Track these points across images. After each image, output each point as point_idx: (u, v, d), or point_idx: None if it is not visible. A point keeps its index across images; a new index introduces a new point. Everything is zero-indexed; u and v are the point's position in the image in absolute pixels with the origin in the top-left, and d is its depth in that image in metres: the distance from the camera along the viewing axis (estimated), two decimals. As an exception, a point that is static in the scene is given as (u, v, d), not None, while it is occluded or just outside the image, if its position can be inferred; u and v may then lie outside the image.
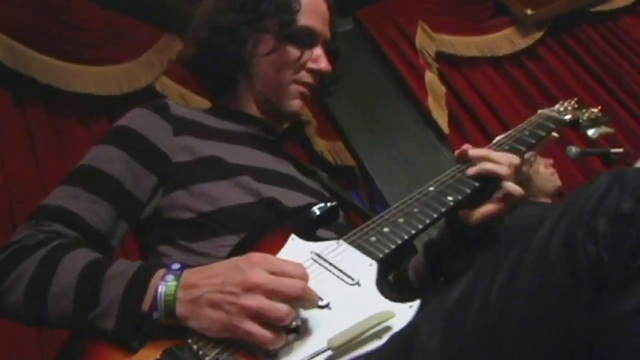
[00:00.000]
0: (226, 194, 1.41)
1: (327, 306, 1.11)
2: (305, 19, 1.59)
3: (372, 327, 1.03)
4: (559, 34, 4.71)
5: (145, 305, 1.10)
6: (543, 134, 1.58)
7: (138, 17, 3.63)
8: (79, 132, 3.24)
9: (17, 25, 3.14)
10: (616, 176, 0.92)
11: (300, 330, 1.07)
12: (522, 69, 4.57)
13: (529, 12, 4.55)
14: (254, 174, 1.47)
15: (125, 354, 1.09)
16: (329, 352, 1.01)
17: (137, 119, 1.49)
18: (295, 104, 1.61)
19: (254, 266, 1.07)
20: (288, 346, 1.05)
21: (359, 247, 1.25)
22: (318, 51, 1.61)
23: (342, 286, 1.16)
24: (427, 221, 1.31)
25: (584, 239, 0.88)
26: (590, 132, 1.82)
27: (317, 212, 1.39)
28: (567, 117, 1.72)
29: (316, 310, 1.10)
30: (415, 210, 1.33)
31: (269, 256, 1.11)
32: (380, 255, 1.22)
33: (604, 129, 1.84)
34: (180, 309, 1.07)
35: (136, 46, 3.58)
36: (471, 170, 1.43)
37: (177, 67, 3.43)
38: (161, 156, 1.43)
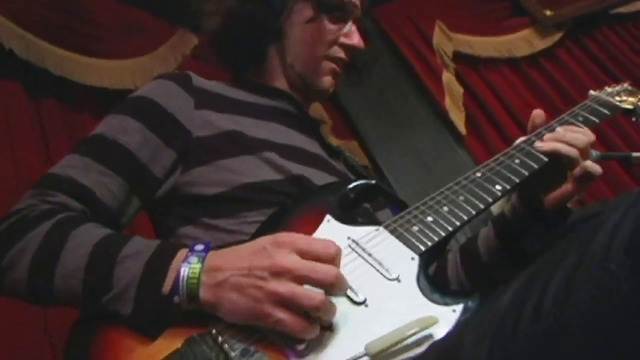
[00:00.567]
0: (252, 169, 1.34)
1: (364, 303, 1.05)
2: None
3: (413, 334, 0.97)
4: (578, 36, 4.65)
5: (166, 289, 1.03)
6: (597, 121, 1.50)
7: (153, 11, 3.59)
8: (92, 125, 3.11)
9: (31, 18, 3.09)
10: None
11: (334, 328, 1.00)
12: (540, 70, 4.50)
13: (548, 13, 4.49)
14: (281, 150, 1.41)
15: (142, 340, 1.02)
16: (367, 358, 0.95)
17: (157, 89, 1.41)
18: (327, 80, 1.58)
19: (282, 248, 1.00)
20: (320, 345, 0.98)
21: (400, 237, 1.19)
22: (351, 26, 1.58)
23: (381, 281, 1.10)
24: (474, 212, 1.24)
25: None
26: None
27: (355, 189, 1.32)
28: (623, 103, 1.64)
29: (352, 307, 1.04)
30: (461, 198, 1.27)
31: (296, 236, 1.03)
32: (423, 249, 1.16)
33: None
34: (204, 294, 1.01)
35: (151, 40, 3.54)
36: (542, 147, 1.38)
37: (191, 63, 3.43)
38: (181, 130, 1.36)
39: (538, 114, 1.47)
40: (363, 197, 1.36)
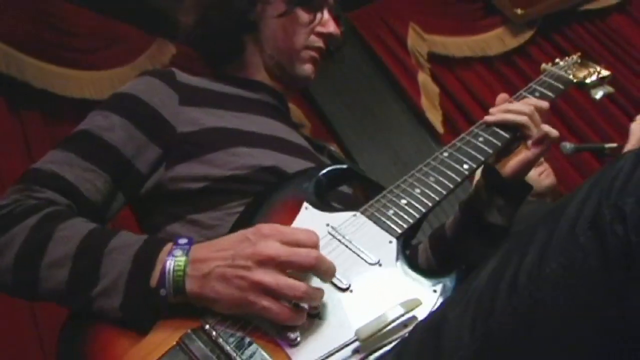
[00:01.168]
0: (235, 161, 1.34)
1: (348, 288, 1.08)
2: None
3: (400, 317, 1.01)
4: (549, 33, 4.73)
5: (153, 282, 1.03)
6: (553, 96, 1.56)
7: (130, 22, 3.63)
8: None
9: (12, 32, 3.13)
10: None
11: (323, 316, 1.03)
12: (514, 68, 4.59)
13: (519, 11, 4.57)
14: (265, 141, 1.42)
15: (134, 339, 1.02)
16: (357, 344, 0.98)
17: (141, 86, 1.40)
18: (308, 68, 1.59)
19: (265, 237, 1.02)
20: (312, 334, 1.01)
21: (377, 222, 1.22)
22: (326, 15, 1.60)
23: (363, 266, 1.13)
24: (444, 192, 1.28)
25: (612, 219, 0.87)
26: (597, 94, 1.74)
27: (329, 174, 1.35)
28: (575, 77, 1.68)
29: (338, 293, 1.07)
30: (432, 179, 1.30)
31: (278, 226, 1.06)
32: (399, 231, 1.19)
33: (607, 89, 1.77)
34: (189, 285, 1.02)
35: (129, 51, 3.58)
36: (490, 119, 1.44)
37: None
38: (166, 125, 1.36)
39: (503, 97, 1.52)
40: (338, 181, 1.41)
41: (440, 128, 4.12)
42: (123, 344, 1.02)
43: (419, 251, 1.64)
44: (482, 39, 4.57)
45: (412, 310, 1.02)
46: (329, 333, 1.01)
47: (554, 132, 1.44)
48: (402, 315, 1.01)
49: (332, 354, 0.98)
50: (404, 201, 1.25)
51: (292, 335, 1.00)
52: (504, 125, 1.43)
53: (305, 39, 1.57)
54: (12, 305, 1.14)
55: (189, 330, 1.01)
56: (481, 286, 0.98)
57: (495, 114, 1.45)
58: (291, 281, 0.99)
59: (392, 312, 1.01)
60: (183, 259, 1.03)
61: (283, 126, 1.54)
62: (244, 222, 1.22)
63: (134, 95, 1.37)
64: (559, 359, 0.92)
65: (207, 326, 1.01)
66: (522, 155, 1.44)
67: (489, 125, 1.45)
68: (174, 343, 1.00)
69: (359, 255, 1.14)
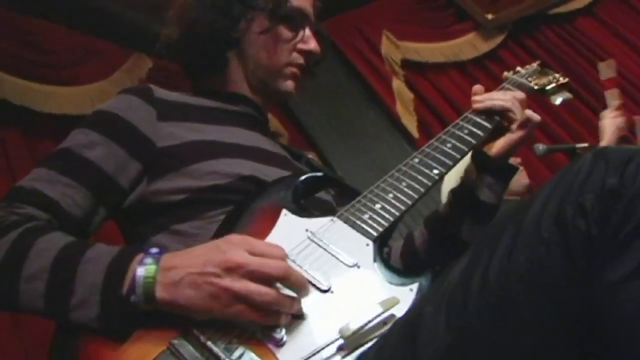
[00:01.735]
0: (216, 172, 1.38)
1: (329, 290, 1.12)
2: (296, 0, 1.60)
3: (379, 315, 1.05)
4: (519, 37, 4.81)
5: (124, 290, 1.06)
6: None
7: (107, 37, 3.66)
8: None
9: (-11, 50, 3.14)
10: (600, 154, 0.98)
11: (307, 317, 1.08)
12: (486, 72, 4.65)
13: (489, 16, 4.64)
14: (245, 152, 1.46)
15: (120, 346, 1.05)
16: (341, 342, 1.03)
17: (120, 103, 1.43)
18: (289, 84, 1.62)
19: (235, 246, 1.05)
20: (297, 334, 1.05)
21: (354, 226, 1.26)
22: (308, 32, 1.62)
23: (342, 268, 1.17)
24: (416, 196, 1.32)
25: (574, 214, 0.93)
26: (557, 100, 1.82)
27: (306, 181, 1.39)
28: (536, 85, 1.75)
29: (319, 295, 1.11)
30: (404, 184, 1.34)
31: (248, 237, 1.09)
32: (375, 234, 1.24)
33: (566, 95, 1.84)
34: (160, 293, 1.04)
35: (106, 66, 3.61)
36: (478, 105, 1.52)
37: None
38: (145, 141, 1.38)
39: (479, 89, 1.60)
40: (315, 188, 1.46)
41: (415, 133, 4.18)
42: (111, 355, 1.05)
43: (414, 237, 1.68)
44: (454, 45, 4.63)
45: (390, 308, 1.07)
46: (313, 332, 1.06)
47: (536, 117, 1.52)
48: (382, 313, 1.06)
49: (317, 352, 1.02)
50: (378, 205, 1.30)
51: (278, 336, 1.04)
52: (489, 113, 1.52)
53: (288, 55, 1.60)
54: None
55: (178, 335, 1.04)
56: (454, 282, 1.04)
57: (484, 101, 1.53)
58: (261, 288, 1.02)
59: (372, 310, 1.06)
60: (153, 267, 1.06)
61: (261, 137, 1.57)
62: (225, 230, 1.26)
63: (113, 113, 1.40)
64: (529, 350, 0.97)
65: (196, 331, 1.04)
66: (507, 137, 1.52)
67: (474, 113, 1.53)
68: (164, 347, 1.03)
69: (337, 258, 1.19)
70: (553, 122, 4.35)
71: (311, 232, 1.25)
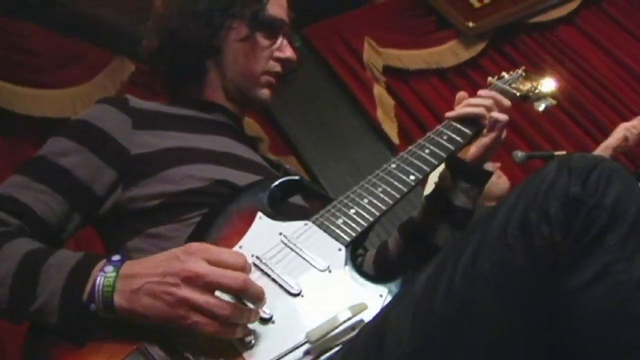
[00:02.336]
0: (189, 176, 1.40)
1: (300, 294, 1.13)
2: (273, 9, 1.61)
3: (347, 320, 1.07)
4: (500, 45, 4.86)
5: (84, 297, 1.07)
6: None
7: (89, 40, 3.66)
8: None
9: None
10: (564, 162, 1.00)
11: (276, 320, 1.09)
12: (467, 79, 4.69)
13: (470, 24, 4.68)
14: (220, 158, 1.47)
15: (78, 351, 1.07)
16: (307, 345, 1.04)
17: (96, 112, 1.46)
18: (265, 92, 1.62)
19: (193, 255, 1.05)
20: (266, 337, 1.07)
21: (327, 230, 1.27)
22: (284, 40, 1.64)
23: (314, 273, 1.19)
24: (391, 202, 1.32)
25: (538, 221, 0.97)
26: (540, 107, 1.83)
27: (281, 185, 1.41)
28: (519, 91, 1.76)
29: (290, 299, 1.13)
30: (379, 190, 1.35)
31: (208, 245, 1.09)
32: (348, 240, 1.25)
33: (549, 101, 1.86)
34: (118, 300, 1.05)
35: (88, 69, 3.61)
36: (452, 114, 1.53)
37: (129, 89, 3.48)
38: (120, 149, 1.40)
39: (462, 96, 1.62)
40: (291, 192, 1.47)
41: (395, 139, 4.21)
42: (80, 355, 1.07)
43: (388, 243, 1.68)
44: (435, 52, 4.66)
45: (359, 313, 1.08)
46: (281, 336, 1.07)
47: (502, 117, 1.52)
48: (350, 318, 1.07)
49: (283, 356, 1.04)
50: (352, 210, 1.31)
51: (246, 339, 1.05)
52: (468, 119, 1.53)
53: (265, 63, 1.61)
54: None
55: (141, 346, 1.05)
56: (421, 287, 1.06)
57: (457, 110, 1.55)
58: (219, 301, 1.03)
59: (341, 315, 1.07)
60: (113, 275, 1.07)
61: (237, 144, 1.58)
62: (200, 232, 1.28)
63: (88, 121, 1.43)
64: (492, 354, 1.00)
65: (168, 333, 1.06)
66: (479, 141, 1.52)
67: (448, 121, 1.53)
68: (134, 347, 1.05)
69: (309, 262, 1.20)
70: (532, 129, 4.40)
71: (285, 235, 1.26)
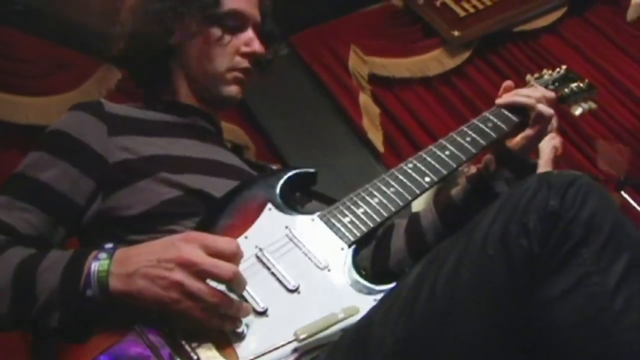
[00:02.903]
0: (170, 187, 1.40)
1: (297, 290, 1.16)
2: (231, 2, 1.58)
3: (338, 322, 1.10)
4: (485, 54, 4.87)
5: (81, 286, 1.11)
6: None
7: (76, 48, 3.66)
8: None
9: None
10: (543, 178, 1.05)
11: (269, 314, 1.12)
12: (452, 87, 4.71)
13: (456, 33, 4.71)
14: (197, 165, 1.47)
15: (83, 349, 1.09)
16: (295, 343, 1.07)
17: (70, 121, 1.46)
18: (233, 89, 1.60)
19: (189, 243, 1.10)
20: (257, 329, 1.10)
21: (333, 228, 1.29)
22: (250, 34, 1.60)
23: (313, 270, 1.22)
24: (401, 204, 1.34)
25: (518, 234, 1.01)
26: (577, 110, 1.79)
27: (295, 177, 1.42)
28: (555, 91, 1.72)
29: (286, 294, 1.16)
30: (391, 190, 1.35)
31: (205, 234, 1.14)
32: (352, 239, 1.27)
33: (589, 105, 1.81)
34: (114, 284, 1.09)
35: (75, 76, 3.61)
36: (501, 101, 1.57)
37: (116, 96, 3.47)
38: (97, 158, 1.40)
39: (509, 84, 1.64)
40: (302, 186, 1.47)
41: (381, 147, 4.23)
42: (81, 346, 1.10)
43: (420, 217, 1.67)
44: (421, 60, 4.67)
45: (350, 317, 1.12)
46: (273, 330, 1.10)
47: (548, 110, 1.54)
48: (340, 321, 1.11)
49: (269, 352, 1.07)
50: (361, 210, 1.32)
51: (238, 329, 1.09)
52: (511, 109, 1.56)
53: (230, 60, 1.58)
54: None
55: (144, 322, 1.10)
56: (404, 291, 1.10)
57: (504, 97, 1.59)
58: (210, 288, 1.07)
59: (332, 317, 1.11)
60: (107, 260, 1.12)
61: (215, 147, 1.59)
62: (208, 220, 1.31)
63: (63, 131, 1.43)
64: (472, 357, 1.03)
65: (166, 329, 1.09)
66: (524, 133, 1.55)
67: (497, 108, 1.56)
68: (131, 330, 1.09)
69: (310, 259, 1.23)
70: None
71: (290, 229, 1.28)
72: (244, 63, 1.60)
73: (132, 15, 1.58)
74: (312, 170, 1.49)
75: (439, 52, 4.74)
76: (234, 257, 1.11)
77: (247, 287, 1.14)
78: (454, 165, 1.42)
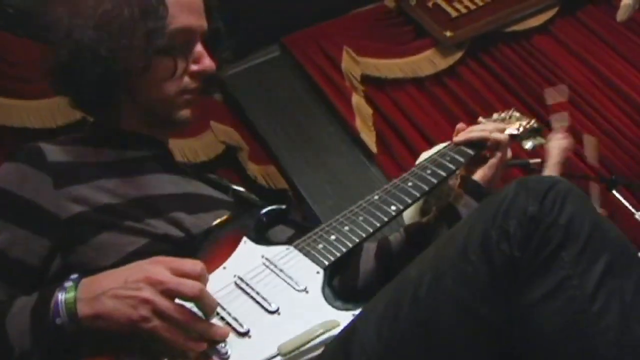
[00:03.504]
0: (128, 239, 1.32)
1: (277, 311, 1.20)
2: (178, 20, 1.40)
3: (319, 335, 1.13)
4: (477, 54, 4.90)
5: (51, 317, 1.09)
6: (473, 151, 1.69)
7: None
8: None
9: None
10: (522, 184, 1.08)
11: (252, 334, 1.15)
12: (444, 88, 4.73)
13: (448, 34, 4.73)
14: (158, 206, 1.39)
15: None
16: (279, 358, 1.10)
17: (9, 176, 1.34)
18: (184, 113, 1.48)
19: (157, 265, 1.11)
20: (241, 349, 1.12)
21: (308, 254, 1.35)
22: (199, 48, 1.46)
23: (291, 292, 1.26)
24: (371, 230, 1.41)
25: (498, 239, 1.03)
26: (527, 144, 1.94)
27: (268, 213, 1.48)
28: (508, 130, 1.82)
29: (267, 315, 1.19)
30: (360, 218, 1.43)
31: (170, 257, 1.14)
32: (327, 263, 1.32)
33: (538, 140, 1.96)
34: (81, 308, 1.08)
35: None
36: (458, 139, 1.66)
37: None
38: (48, 217, 1.30)
39: (461, 126, 1.73)
40: (276, 220, 1.52)
41: (374, 148, 4.24)
42: None
43: (390, 240, 1.70)
44: (413, 61, 4.69)
45: (330, 330, 1.15)
46: (256, 349, 1.13)
47: (503, 136, 1.67)
48: (322, 334, 1.14)
49: None
50: (333, 237, 1.39)
51: (222, 350, 1.11)
52: (467, 144, 1.65)
53: (179, 84, 1.44)
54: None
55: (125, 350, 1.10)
56: (388, 298, 1.13)
57: (460, 135, 1.68)
58: (178, 306, 1.08)
59: (312, 331, 1.14)
60: (73, 287, 1.12)
61: (173, 177, 1.51)
62: (187, 254, 1.28)
63: (6, 190, 1.32)
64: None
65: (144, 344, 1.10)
66: (490, 162, 1.66)
67: (453, 144, 1.67)
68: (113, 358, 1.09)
69: (288, 283, 1.28)
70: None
71: (267, 258, 1.34)
72: (193, 84, 1.47)
73: (63, 41, 1.37)
74: (283, 207, 1.54)
75: (431, 52, 4.76)
76: (200, 278, 1.11)
77: (229, 311, 1.18)
78: (417, 195, 1.52)
